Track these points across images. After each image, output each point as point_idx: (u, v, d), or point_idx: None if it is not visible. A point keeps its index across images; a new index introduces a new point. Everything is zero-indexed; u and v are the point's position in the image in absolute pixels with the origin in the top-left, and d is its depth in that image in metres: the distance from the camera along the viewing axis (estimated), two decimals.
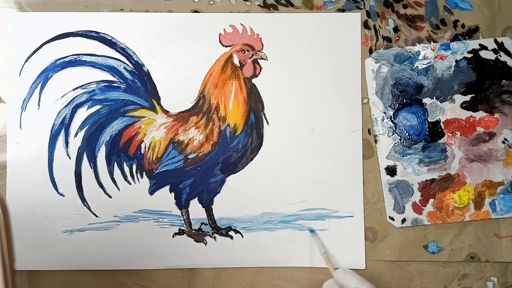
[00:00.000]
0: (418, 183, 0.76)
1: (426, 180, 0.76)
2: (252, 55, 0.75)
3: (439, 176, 0.76)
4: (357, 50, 0.76)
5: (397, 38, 0.77)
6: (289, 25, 0.76)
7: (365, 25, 0.76)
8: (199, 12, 0.76)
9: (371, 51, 0.76)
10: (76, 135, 0.75)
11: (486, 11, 0.77)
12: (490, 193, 0.76)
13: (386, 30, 0.77)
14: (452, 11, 0.77)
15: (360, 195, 0.76)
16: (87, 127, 0.75)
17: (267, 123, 0.76)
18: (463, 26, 0.77)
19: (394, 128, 0.76)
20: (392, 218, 0.75)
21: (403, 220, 0.76)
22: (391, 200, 0.76)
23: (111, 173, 0.75)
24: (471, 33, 0.77)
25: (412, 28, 0.77)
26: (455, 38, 0.77)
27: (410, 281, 0.76)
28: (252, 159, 0.76)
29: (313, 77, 0.76)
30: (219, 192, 0.76)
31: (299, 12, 0.76)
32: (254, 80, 0.76)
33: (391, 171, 0.76)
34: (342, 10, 0.76)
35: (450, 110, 0.76)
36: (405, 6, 0.77)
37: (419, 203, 0.76)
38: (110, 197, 0.75)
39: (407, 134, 0.76)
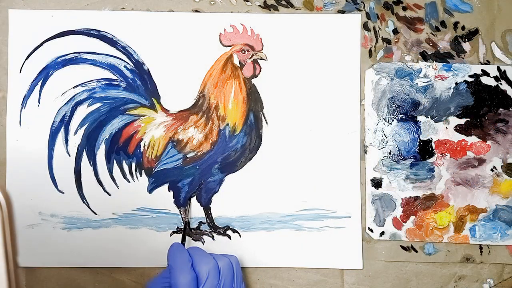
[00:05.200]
0: (402, 198, 0.76)
1: (410, 197, 0.76)
2: (252, 55, 0.76)
3: (423, 194, 0.76)
4: (356, 51, 0.76)
5: (396, 40, 0.77)
6: (289, 26, 0.76)
7: (365, 26, 0.77)
8: (199, 12, 0.76)
9: (370, 53, 0.77)
10: (76, 132, 0.75)
11: (485, 14, 0.77)
12: (471, 218, 0.76)
13: (386, 32, 0.77)
14: (452, 13, 0.77)
15: (358, 195, 0.76)
16: (87, 124, 0.75)
17: (266, 123, 0.76)
18: (463, 28, 0.77)
19: (385, 142, 0.76)
20: (371, 230, 0.76)
21: (382, 233, 0.76)
22: (373, 212, 0.76)
23: (110, 171, 0.75)
24: (471, 35, 0.77)
25: (412, 30, 0.77)
26: (455, 40, 0.77)
27: (407, 281, 0.76)
28: (251, 158, 0.76)
29: (312, 77, 0.76)
30: (217, 191, 0.76)
31: (299, 13, 0.77)
32: (253, 80, 0.76)
33: (377, 183, 0.76)
34: (342, 11, 0.77)
35: (443, 131, 0.76)
36: (404, 8, 0.77)
37: (399, 219, 0.76)
38: (109, 194, 0.75)
39: (397, 149, 0.76)
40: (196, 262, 0.64)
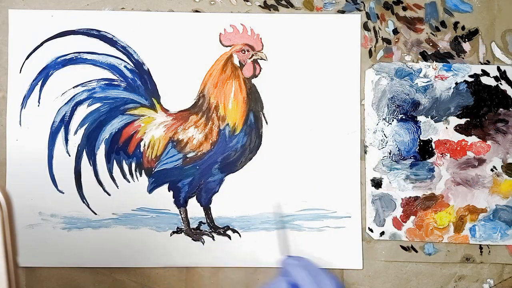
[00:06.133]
0: (402, 198, 0.76)
1: (410, 197, 0.76)
2: (252, 55, 0.76)
3: (423, 194, 0.76)
4: (356, 51, 0.76)
5: (396, 40, 0.77)
6: (289, 26, 0.76)
7: (365, 26, 0.77)
8: (199, 12, 0.76)
9: (370, 53, 0.77)
10: (76, 132, 0.75)
11: (485, 14, 0.77)
12: (471, 218, 0.76)
13: (386, 32, 0.77)
14: (452, 13, 0.77)
15: (358, 195, 0.76)
16: (87, 124, 0.76)
17: (266, 123, 0.76)
18: (463, 28, 0.77)
19: (385, 142, 0.76)
20: (371, 230, 0.76)
21: (382, 233, 0.76)
22: (373, 212, 0.76)
23: (110, 171, 0.75)
24: (471, 35, 0.77)
25: (412, 30, 0.77)
26: (455, 40, 0.77)
27: (407, 281, 0.76)
28: (251, 158, 0.76)
29: (312, 77, 0.76)
30: (217, 192, 0.76)
31: (299, 13, 0.77)
32: (253, 80, 0.76)
33: (377, 183, 0.76)
34: (342, 11, 0.77)
35: (443, 131, 0.76)
36: (404, 8, 0.77)
37: (399, 219, 0.76)
38: (109, 194, 0.75)
39: (397, 149, 0.76)
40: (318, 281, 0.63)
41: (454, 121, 0.76)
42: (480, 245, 0.76)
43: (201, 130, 0.75)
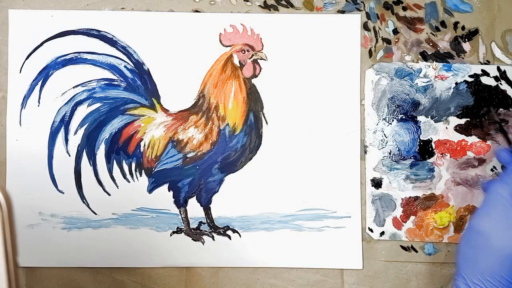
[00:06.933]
0: (402, 198, 0.76)
1: (410, 197, 0.76)
2: (252, 55, 0.76)
3: (423, 194, 0.76)
4: (356, 51, 0.76)
5: (396, 40, 0.77)
6: (289, 26, 0.76)
7: (365, 26, 0.77)
8: (199, 12, 0.76)
9: (370, 53, 0.77)
10: (76, 132, 0.75)
11: (485, 14, 0.77)
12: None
13: (386, 32, 0.77)
14: (452, 13, 0.77)
15: (358, 195, 0.76)
16: (87, 124, 0.76)
17: (266, 123, 0.76)
18: (463, 28, 0.77)
19: (385, 142, 0.76)
20: (371, 230, 0.76)
21: (382, 233, 0.76)
22: (373, 212, 0.76)
23: (110, 171, 0.75)
24: (471, 35, 0.77)
25: (412, 30, 0.77)
26: (455, 40, 0.77)
27: (407, 281, 0.76)
28: (251, 158, 0.76)
29: (312, 77, 0.76)
30: (217, 191, 0.76)
31: (299, 13, 0.77)
32: (253, 80, 0.76)
33: (377, 183, 0.76)
34: (342, 11, 0.77)
35: (443, 131, 0.76)
36: (404, 8, 0.77)
37: (399, 219, 0.76)
38: (109, 194, 0.75)
39: (397, 149, 0.76)
40: None
41: (454, 121, 0.76)
42: None
43: (201, 130, 0.75)
